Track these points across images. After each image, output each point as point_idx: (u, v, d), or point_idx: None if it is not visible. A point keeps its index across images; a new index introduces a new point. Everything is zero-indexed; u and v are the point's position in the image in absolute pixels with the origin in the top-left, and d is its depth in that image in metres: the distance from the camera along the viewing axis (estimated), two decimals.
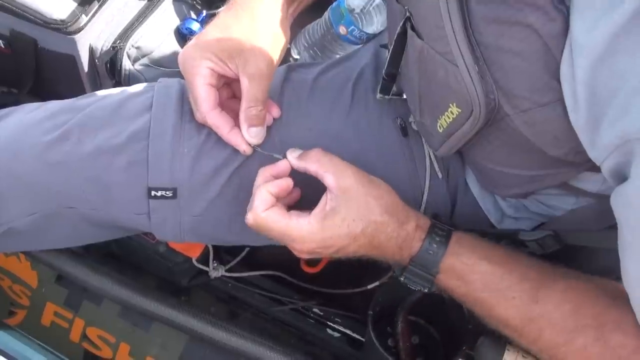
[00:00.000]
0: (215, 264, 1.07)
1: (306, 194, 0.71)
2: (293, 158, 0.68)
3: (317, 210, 0.64)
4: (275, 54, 0.72)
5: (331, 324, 1.14)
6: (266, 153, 0.72)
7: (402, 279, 0.67)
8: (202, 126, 0.74)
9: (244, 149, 0.71)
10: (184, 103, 0.75)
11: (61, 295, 1.10)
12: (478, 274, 0.63)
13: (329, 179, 0.64)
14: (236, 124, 0.71)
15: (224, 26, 0.71)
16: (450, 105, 0.60)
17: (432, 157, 0.78)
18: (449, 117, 0.61)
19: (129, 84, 1.11)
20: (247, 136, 0.71)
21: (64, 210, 0.76)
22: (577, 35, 0.47)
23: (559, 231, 0.68)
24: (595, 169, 0.53)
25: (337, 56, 1.04)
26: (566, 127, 0.52)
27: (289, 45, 1.14)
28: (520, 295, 0.61)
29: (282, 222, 0.64)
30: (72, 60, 1.08)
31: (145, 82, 1.11)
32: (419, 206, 0.78)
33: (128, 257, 1.12)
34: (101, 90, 0.80)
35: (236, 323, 0.97)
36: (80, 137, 0.73)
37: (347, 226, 0.63)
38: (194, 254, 1.05)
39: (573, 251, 0.71)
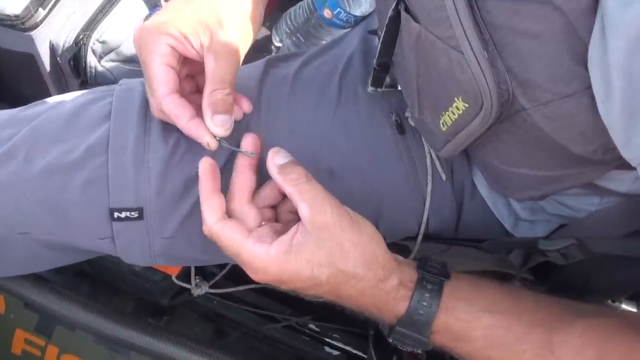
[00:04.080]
0: (198, 280, 0.99)
1: None
2: (275, 165, 0.59)
3: (283, 238, 0.56)
4: (247, 31, 0.65)
5: (329, 340, 1.09)
6: (235, 149, 0.63)
7: (390, 339, 0.60)
8: (169, 134, 0.66)
9: (207, 141, 0.62)
10: (148, 108, 0.67)
11: (31, 321, 1.04)
12: (480, 330, 0.56)
13: (303, 210, 0.56)
14: (199, 115, 0.63)
15: None
16: (456, 99, 0.53)
17: (434, 156, 0.71)
18: (453, 114, 0.55)
19: (96, 82, 1.05)
20: (211, 125, 0.61)
21: (16, 236, 0.69)
22: (611, 11, 0.41)
23: (583, 239, 0.61)
24: (627, 166, 0.48)
25: (324, 42, 0.98)
26: (594, 122, 0.47)
27: (269, 32, 1.11)
28: (532, 347, 0.55)
29: (236, 241, 0.57)
30: (31, 59, 1.02)
31: (114, 79, 1.07)
32: (421, 214, 0.72)
33: (102, 276, 1.05)
34: (53, 97, 0.73)
35: (223, 345, 0.91)
36: (28, 154, 0.65)
37: (310, 269, 0.55)
38: (174, 271, 0.98)
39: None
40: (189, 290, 1.01)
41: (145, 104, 0.68)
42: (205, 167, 0.59)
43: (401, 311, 0.57)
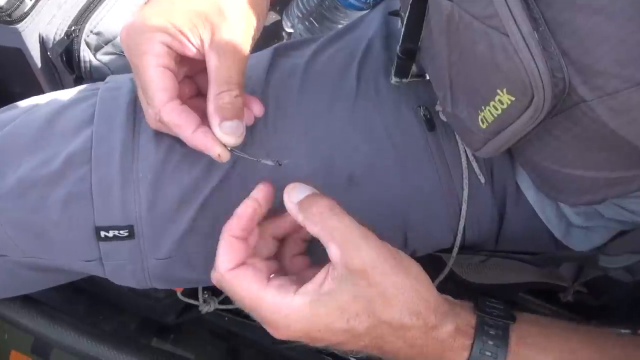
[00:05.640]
0: (206, 296, 0.94)
1: None
2: (292, 203, 0.52)
3: (310, 286, 0.49)
4: (253, 20, 0.58)
5: (352, 358, 1.01)
6: (250, 157, 0.57)
7: None
8: (161, 139, 0.60)
9: (218, 152, 0.55)
10: (137, 109, 0.62)
11: (27, 342, 1.00)
12: None
13: (333, 252, 0.49)
14: (204, 122, 0.56)
15: None
16: (499, 91, 0.47)
17: (470, 156, 0.65)
18: (496, 108, 0.48)
19: (92, 77, 1.01)
20: (219, 133, 0.55)
21: None
22: None
23: None
24: None
25: (340, 26, 0.94)
26: None
27: (279, 17, 1.05)
28: None
29: (252, 292, 0.50)
30: (19, 54, 0.99)
31: (112, 74, 1.02)
32: (457, 224, 0.66)
33: (101, 294, 0.99)
34: (27, 99, 0.68)
35: None
36: None
37: (345, 320, 0.49)
38: (179, 287, 0.92)
39: None
40: (197, 306, 0.96)
41: (134, 102, 0.62)
42: (246, 209, 0.53)
43: None
